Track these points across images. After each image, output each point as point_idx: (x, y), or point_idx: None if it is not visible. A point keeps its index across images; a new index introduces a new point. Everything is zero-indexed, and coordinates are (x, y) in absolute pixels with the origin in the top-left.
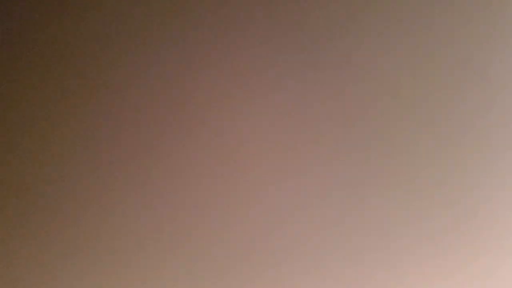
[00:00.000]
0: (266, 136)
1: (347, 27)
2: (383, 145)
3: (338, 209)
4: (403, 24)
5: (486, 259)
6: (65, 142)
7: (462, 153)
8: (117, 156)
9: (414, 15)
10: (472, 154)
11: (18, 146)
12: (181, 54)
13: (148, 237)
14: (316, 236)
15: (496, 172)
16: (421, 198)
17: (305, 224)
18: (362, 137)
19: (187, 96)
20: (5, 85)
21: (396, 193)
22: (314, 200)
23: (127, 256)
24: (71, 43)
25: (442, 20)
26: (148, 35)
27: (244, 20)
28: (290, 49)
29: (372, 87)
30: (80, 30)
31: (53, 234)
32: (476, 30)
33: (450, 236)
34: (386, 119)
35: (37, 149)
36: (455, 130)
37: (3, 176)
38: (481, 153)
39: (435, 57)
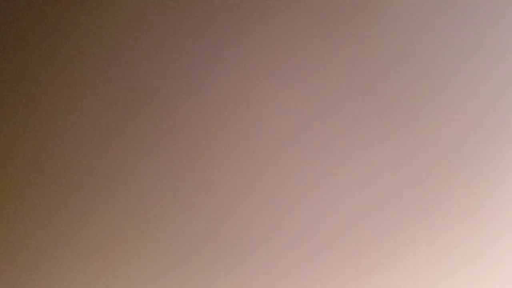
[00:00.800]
0: (275, 132)
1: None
2: (390, 138)
3: (341, 209)
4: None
5: (487, 257)
6: (64, 142)
7: (468, 150)
8: (117, 153)
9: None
10: (476, 150)
11: (18, 145)
12: (185, 48)
13: (146, 237)
14: (318, 234)
15: (500, 168)
16: (422, 197)
17: (307, 224)
18: (365, 138)
19: (194, 93)
20: (5, 84)
21: (400, 189)
22: (319, 199)
23: (127, 256)
24: (71, 40)
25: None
26: (152, 31)
27: (251, 10)
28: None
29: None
30: (81, 28)
31: (52, 233)
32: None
33: (450, 236)
34: (388, 117)
35: (36, 148)
36: (458, 129)
37: (3, 176)
38: (484, 150)
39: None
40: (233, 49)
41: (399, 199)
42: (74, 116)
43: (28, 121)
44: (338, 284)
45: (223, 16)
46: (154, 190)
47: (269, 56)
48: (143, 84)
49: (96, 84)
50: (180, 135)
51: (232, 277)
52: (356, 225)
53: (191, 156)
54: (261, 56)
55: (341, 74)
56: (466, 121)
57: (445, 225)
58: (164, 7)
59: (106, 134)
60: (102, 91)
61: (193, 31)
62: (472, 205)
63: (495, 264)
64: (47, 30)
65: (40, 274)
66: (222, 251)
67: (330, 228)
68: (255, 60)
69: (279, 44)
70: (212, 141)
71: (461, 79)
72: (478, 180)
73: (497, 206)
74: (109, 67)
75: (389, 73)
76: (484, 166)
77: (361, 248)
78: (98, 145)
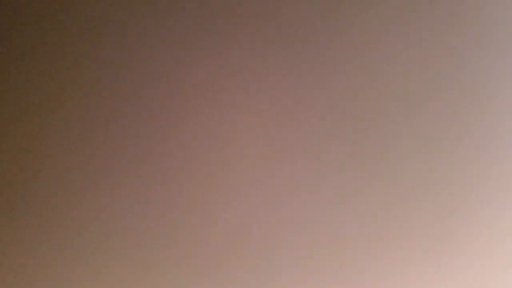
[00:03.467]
0: (260, 135)
1: (349, 25)
2: (381, 145)
3: (334, 210)
4: (407, 20)
5: (487, 259)
6: (62, 141)
7: (464, 153)
8: (112, 154)
9: (416, 13)
10: (473, 153)
11: (17, 145)
12: (176, 50)
13: (145, 236)
14: (311, 236)
15: (498, 171)
16: (419, 199)
17: (301, 224)
18: (359, 139)
19: (182, 93)
20: (5, 84)
21: (395, 193)
22: (311, 199)
23: (126, 256)
24: (66, 40)
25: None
26: (143, 32)
27: (238, 17)
28: (286, 47)
29: (371, 88)
30: (75, 27)
31: (51, 233)
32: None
33: (450, 236)
34: (383, 120)
35: (36, 148)
36: (455, 131)
37: (2, 175)
38: (482, 153)
39: (434, 56)
40: (225, 52)
41: (398, 201)
42: (74, 116)
43: (28, 121)
44: (338, 284)
45: (219, 19)
46: (154, 190)
47: (260, 60)
48: (141, 84)
49: (94, 84)
50: (175, 136)
51: (232, 277)
52: (355, 227)
53: (190, 156)
54: (254, 60)
55: (337, 75)
56: (464, 122)
57: (444, 227)
58: (161, 7)
59: (106, 134)
60: (101, 91)
61: (192, 31)
62: (472, 211)
63: (496, 266)
64: (47, 30)
65: (40, 274)
66: (221, 251)
67: (329, 230)
68: (247, 64)
69: (277, 48)
70: (211, 141)
71: (460, 83)
72: (477, 185)
73: (496, 210)
74: (108, 67)
75: (382, 84)
76: (483, 171)
77: (355, 252)
78: (98, 145)
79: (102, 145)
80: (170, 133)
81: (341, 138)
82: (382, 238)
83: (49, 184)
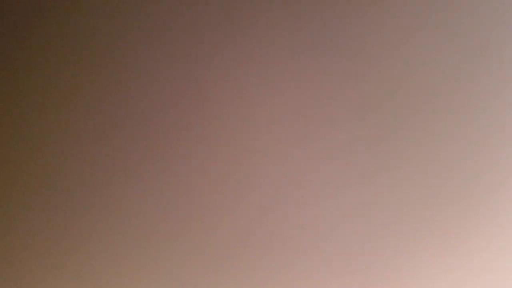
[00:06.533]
0: (271, 134)
1: (359, 22)
2: (390, 142)
3: (341, 209)
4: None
5: (486, 256)
6: (65, 140)
7: (467, 150)
8: (118, 152)
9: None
10: (477, 150)
11: (18, 145)
12: (187, 48)
13: (146, 235)
14: (320, 234)
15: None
16: (426, 197)
17: (312, 223)
18: (365, 138)
19: (193, 89)
20: (5, 84)
21: (401, 189)
22: (320, 198)
23: (127, 256)
24: (71, 40)
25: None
26: (153, 29)
27: (250, 11)
28: (300, 44)
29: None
30: (84, 26)
31: (52, 233)
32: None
33: (451, 235)
34: (390, 117)
35: (36, 148)
36: (458, 129)
37: (2, 175)
38: (484, 150)
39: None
40: (229, 50)
41: (397, 201)
42: (73, 116)
43: (28, 121)
44: (338, 284)
45: (220, 17)
46: (154, 189)
47: (265, 58)
48: (140, 85)
49: (94, 84)
50: (178, 135)
51: (232, 278)
52: (355, 227)
53: (190, 157)
54: (257, 58)
55: (338, 73)
56: (462, 123)
57: (444, 225)
58: (161, 7)
59: (105, 134)
60: (100, 90)
61: (190, 31)
62: (471, 209)
63: (495, 264)
64: (46, 29)
65: (40, 274)
66: (221, 252)
67: (329, 230)
68: (251, 63)
69: (276, 45)
70: (210, 141)
71: (460, 81)
72: (476, 184)
73: (496, 209)
74: (107, 67)
75: (386, 80)
76: (482, 170)
77: (360, 250)
78: (98, 145)
79: (103, 145)
80: (173, 133)
81: (353, 141)
82: (399, 238)
83: (49, 183)
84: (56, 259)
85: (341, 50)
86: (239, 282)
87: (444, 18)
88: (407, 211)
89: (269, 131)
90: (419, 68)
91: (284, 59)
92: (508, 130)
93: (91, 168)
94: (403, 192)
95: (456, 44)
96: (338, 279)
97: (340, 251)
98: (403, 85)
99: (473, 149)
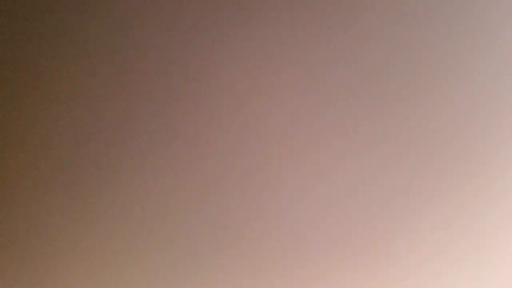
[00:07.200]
0: (271, 134)
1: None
2: (391, 142)
3: (341, 209)
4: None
5: (485, 255)
6: (65, 140)
7: (468, 148)
8: (116, 153)
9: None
10: (477, 149)
11: (18, 145)
12: (187, 48)
13: (146, 235)
14: (317, 233)
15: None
16: (419, 194)
17: (305, 222)
18: (362, 135)
19: (200, 79)
20: (5, 84)
21: (397, 185)
22: (320, 198)
23: (126, 256)
24: (70, 39)
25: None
26: (153, 29)
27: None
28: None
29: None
30: (84, 26)
31: (52, 233)
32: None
33: (449, 234)
34: (391, 116)
35: (36, 148)
36: (458, 127)
37: (3, 175)
38: (479, 147)
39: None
40: (229, 46)
41: (396, 197)
42: (73, 116)
43: (28, 121)
44: (337, 284)
45: (219, 14)
46: (153, 189)
47: (265, 54)
48: (140, 83)
49: (93, 83)
50: (177, 132)
51: (231, 277)
52: (353, 224)
53: (189, 155)
54: (257, 54)
55: (336, 70)
56: (461, 118)
57: (441, 222)
58: (160, 6)
59: (105, 133)
60: (100, 90)
61: (189, 29)
62: (467, 202)
63: (493, 262)
64: (46, 29)
65: (40, 274)
66: (221, 250)
67: (327, 226)
68: (251, 58)
69: (275, 41)
70: (210, 139)
71: (457, 75)
72: (472, 177)
73: (493, 203)
74: (107, 67)
75: (385, 69)
76: (478, 163)
77: (359, 247)
78: (98, 144)
79: (103, 144)
80: (172, 131)
81: (352, 141)
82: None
83: (49, 184)
84: (56, 259)
85: (339, 44)
86: (239, 282)
87: (444, 18)
88: (405, 206)
89: (269, 131)
90: (420, 63)
91: (284, 59)
92: (503, 127)
93: (91, 167)
94: (400, 186)
95: (452, 42)
96: (338, 278)
97: (341, 248)
98: (402, 80)
99: (470, 143)
